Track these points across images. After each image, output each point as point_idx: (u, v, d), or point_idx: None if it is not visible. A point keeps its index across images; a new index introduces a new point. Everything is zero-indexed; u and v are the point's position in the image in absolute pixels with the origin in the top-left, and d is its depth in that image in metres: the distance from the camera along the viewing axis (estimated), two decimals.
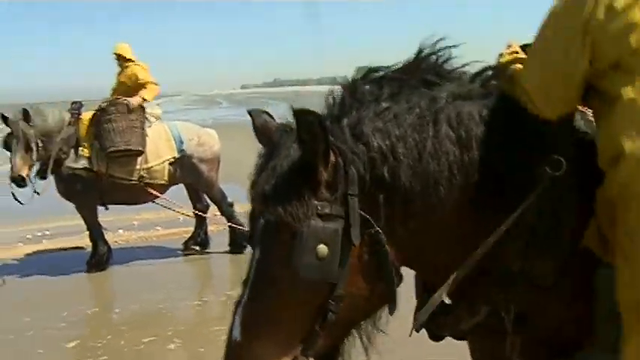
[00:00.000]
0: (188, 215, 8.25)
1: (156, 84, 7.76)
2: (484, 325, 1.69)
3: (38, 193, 7.33)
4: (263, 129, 1.71)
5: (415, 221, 1.54)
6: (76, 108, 7.57)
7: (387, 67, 1.66)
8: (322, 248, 1.43)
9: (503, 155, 1.58)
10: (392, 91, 1.60)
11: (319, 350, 1.53)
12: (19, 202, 7.21)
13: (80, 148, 7.33)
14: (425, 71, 1.64)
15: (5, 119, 7.18)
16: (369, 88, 1.61)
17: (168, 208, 8.19)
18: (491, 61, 1.73)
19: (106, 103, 7.47)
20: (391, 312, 1.59)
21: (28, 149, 7.06)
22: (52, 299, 6.65)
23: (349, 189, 1.47)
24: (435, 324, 1.74)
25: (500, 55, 1.72)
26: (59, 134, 7.29)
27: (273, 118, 1.74)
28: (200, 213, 8.08)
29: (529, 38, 1.66)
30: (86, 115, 7.48)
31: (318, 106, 1.59)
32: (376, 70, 1.65)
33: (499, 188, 1.58)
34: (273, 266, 1.49)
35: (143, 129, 7.47)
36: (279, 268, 1.47)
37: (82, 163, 7.28)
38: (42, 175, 7.41)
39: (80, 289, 7.19)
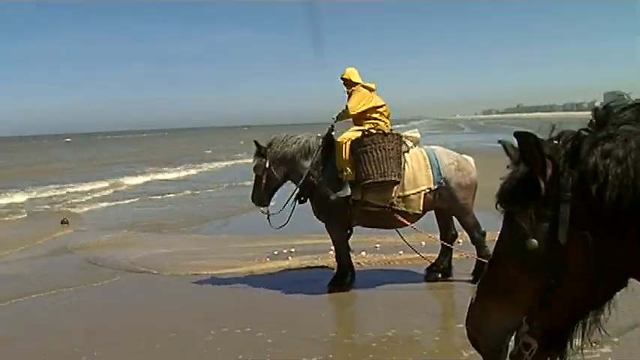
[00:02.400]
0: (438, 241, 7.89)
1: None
2: None
3: (268, 218, 7.93)
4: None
5: (630, 232, 1.65)
6: (329, 134, 7.72)
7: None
8: (532, 242, 1.72)
9: None
10: (632, 117, 1.70)
11: (549, 327, 1.80)
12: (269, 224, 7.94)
13: (344, 173, 7.36)
14: None
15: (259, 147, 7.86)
16: (613, 113, 1.74)
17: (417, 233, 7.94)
18: None
19: (360, 132, 7.42)
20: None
21: (258, 180, 7.76)
22: (292, 317, 6.76)
23: (561, 196, 1.70)
24: None
25: None
26: (307, 160, 7.57)
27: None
28: (446, 242, 7.72)
29: None
30: (343, 139, 7.51)
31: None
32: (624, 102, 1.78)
33: None
34: (503, 246, 1.87)
35: (399, 158, 7.28)
36: (505, 249, 1.85)
37: (348, 191, 7.27)
38: (299, 198, 7.77)
39: (321, 309, 7.23)
